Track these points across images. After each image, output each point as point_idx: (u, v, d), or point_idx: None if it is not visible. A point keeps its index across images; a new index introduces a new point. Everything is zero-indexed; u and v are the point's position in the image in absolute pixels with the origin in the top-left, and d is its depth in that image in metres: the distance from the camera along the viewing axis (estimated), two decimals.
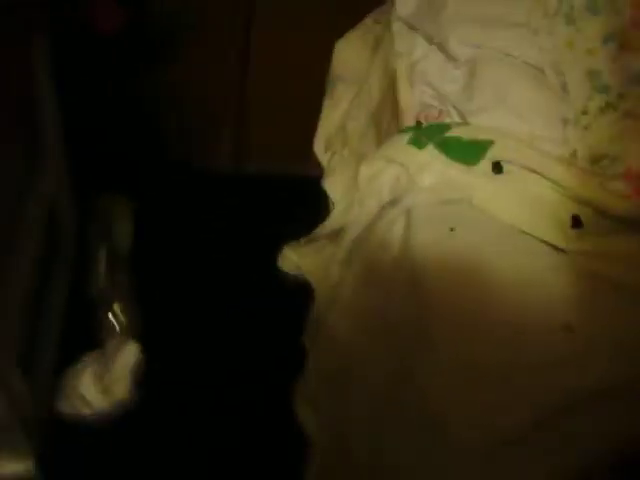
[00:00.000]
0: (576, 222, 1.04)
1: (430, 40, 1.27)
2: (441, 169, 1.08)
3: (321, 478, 1.22)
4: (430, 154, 1.09)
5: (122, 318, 1.44)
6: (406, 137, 1.15)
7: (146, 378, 1.40)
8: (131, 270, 1.49)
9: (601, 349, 0.92)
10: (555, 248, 1.01)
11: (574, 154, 1.09)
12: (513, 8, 1.25)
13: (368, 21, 1.51)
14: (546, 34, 1.22)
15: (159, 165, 1.62)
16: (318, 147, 1.60)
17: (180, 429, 1.38)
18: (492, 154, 1.08)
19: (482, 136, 1.11)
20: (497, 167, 1.07)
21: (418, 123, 1.18)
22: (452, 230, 1.05)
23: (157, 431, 1.38)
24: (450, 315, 0.98)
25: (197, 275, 1.58)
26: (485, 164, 1.07)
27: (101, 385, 1.38)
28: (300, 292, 1.45)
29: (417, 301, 1.03)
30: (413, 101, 1.24)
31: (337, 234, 1.34)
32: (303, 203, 1.62)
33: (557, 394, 0.89)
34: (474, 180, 1.06)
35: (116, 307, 1.44)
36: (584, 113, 1.10)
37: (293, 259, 1.54)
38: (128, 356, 1.41)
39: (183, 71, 1.62)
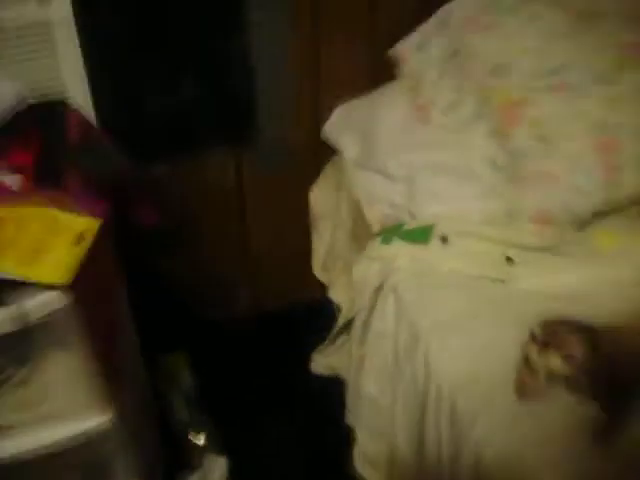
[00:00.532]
0: (508, 259, 1.48)
1: (374, 170, 1.75)
2: (407, 252, 1.52)
3: None
4: (397, 244, 1.53)
5: (206, 442, 1.84)
6: (378, 239, 1.59)
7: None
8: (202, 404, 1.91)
9: None
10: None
11: (492, 219, 1.55)
12: (427, 132, 1.75)
13: (328, 168, 1.98)
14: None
15: (200, 322, 2.05)
16: (317, 270, 2.03)
17: None
18: (437, 232, 1.52)
19: (426, 223, 1.56)
20: (443, 239, 1.51)
21: (383, 229, 1.64)
22: (427, 291, 1.48)
23: None
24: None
25: (251, 397, 2.01)
26: (435, 240, 1.52)
27: None
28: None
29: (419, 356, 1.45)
30: (375, 215, 1.70)
31: (349, 326, 1.76)
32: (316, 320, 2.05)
33: None
34: (431, 252, 1.51)
35: (200, 435, 1.85)
36: (492, 187, 1.58)
37: (322, 361, 1.96)
38: (220, 470, 1.80)
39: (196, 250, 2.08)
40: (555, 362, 1.25)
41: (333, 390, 1.86)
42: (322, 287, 2.00)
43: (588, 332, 1.26)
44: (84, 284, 1.07)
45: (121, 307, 1.46)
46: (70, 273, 1.02)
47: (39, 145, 1.26)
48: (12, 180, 1.19)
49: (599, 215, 1.53)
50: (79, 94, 1.53)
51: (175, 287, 1.99)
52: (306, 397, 2.00)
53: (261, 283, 2.16)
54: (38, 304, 1.03)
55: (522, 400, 1.25)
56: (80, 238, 1.06)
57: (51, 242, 1.05)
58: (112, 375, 1.26)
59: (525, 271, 1.47)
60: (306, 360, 1.98)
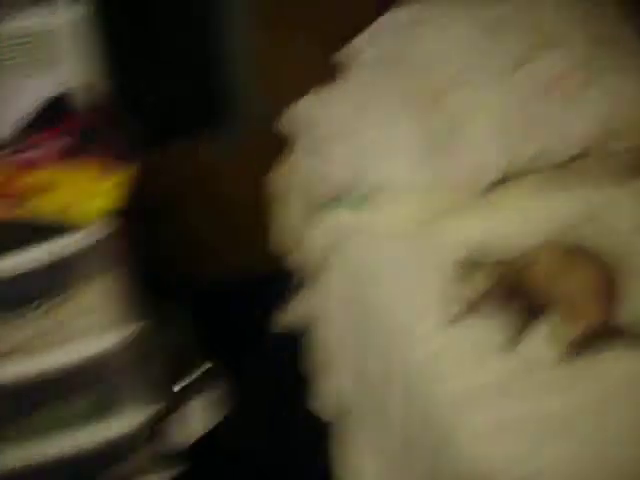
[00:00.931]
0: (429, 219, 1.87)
1: (322, 154, 2.12)
2: (347, 217, 1.92)
3: None
4: (339, 211, 1.94)
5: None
6: (324, 209, 1.99)
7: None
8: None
9: None
10: None
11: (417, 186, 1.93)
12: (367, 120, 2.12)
13: (285, 155, 2.32)
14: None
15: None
16: (275, 242, 2.38)
17: None
18: (371, 200, 1.92)
19: (363, 193, 1.94)
20: (377, 206, 1.90)
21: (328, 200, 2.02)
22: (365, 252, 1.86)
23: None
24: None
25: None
26: (370, 206, 1.92)
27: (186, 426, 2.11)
28: None
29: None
30: (323, 189, 2.05)
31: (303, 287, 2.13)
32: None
33: None
34: (367, 216, 1.90)
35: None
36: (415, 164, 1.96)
37: (281, 320, 2.32)
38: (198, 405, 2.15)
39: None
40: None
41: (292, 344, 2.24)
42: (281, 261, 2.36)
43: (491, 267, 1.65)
44: (118, 222, 1.43)
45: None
46: (111, 211, 1.38)
47: (78, 120, 1.61)
48: (48, 148, 1.54)
49: (499, 183, 1.93)
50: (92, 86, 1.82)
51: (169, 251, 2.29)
52: (269, 350, 2.36)
53: (227, 254, 2.50)
54: (83, 236, 1.38)
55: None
56: (117, 186, 1.42)
57: (96, 187, 1.41)
58: (131, 301, 1.59)
59: (442, 227, 1.85)
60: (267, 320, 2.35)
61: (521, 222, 1.85)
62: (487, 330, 1.60)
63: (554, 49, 2.03)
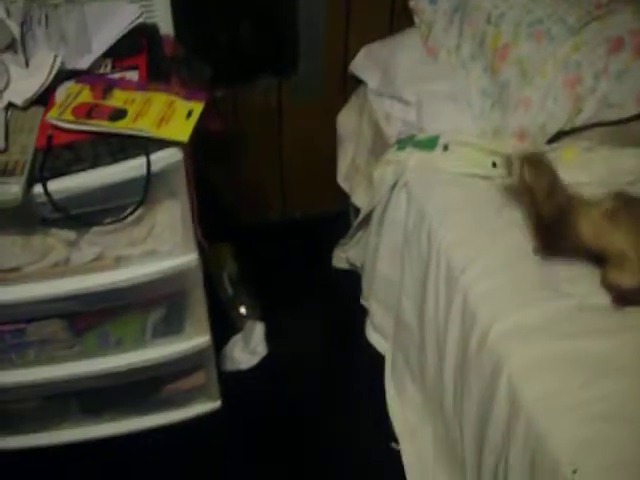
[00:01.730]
0: (494, 164, 1.92)
1: (392, 97, 2.19)
2: (417, 155, 1.95)
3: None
4: (409, 151, 1.97)
5: (247, 311, 2.30)
6: (394, 147, 2.03)
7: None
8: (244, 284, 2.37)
9: None
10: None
11: (483, 134, 2.00)
12: (436, 68, 2.19)
13: (352, 97, 2.42)
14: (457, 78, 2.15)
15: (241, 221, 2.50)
16: (340, 180, 2.48)
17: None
18: (440, 142, 1.97)
19: (433, 135, 1.99)
20: (445, 147, 1.95)
21: (397, 140, 2.08)
22: (431, 184, 1.92)
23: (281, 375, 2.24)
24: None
25: (282, 284, 2.47)
26: (439, 147, 1.96)
27: (248, 350, 2.22)
28: None
29: (424, 231, 1.89)
30: (392, 131, 2.15)
31: (366, 223, 2.20)
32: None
33: None
34: (435, 156, 1.95)
35: (242, 306, 2.31)
36: (482, 110, 2.02)
37: (341, 256, 2.41)
38: (259, 331, 2.26)
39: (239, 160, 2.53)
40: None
41: (351, 279, 2.33)
42: (341, 200, 2.44)
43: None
44: (191, 148, 1.52)
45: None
46: (188, 135, 1.46)
47: (147, 52, 1.70)
48: (131, 75, 1.63)
49: (563, 133, 1.97)
50: (165, 22, 1.94)
51: (220, 192, 2.42)
52: (328, 286, 2.45)
53: (291, 193, 2.61)
54: (161, 157, 1.47)
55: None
56: (190, 114, 1.50)
57: (170, 115, 1.49)
58: (197, 226, 1.69)
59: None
60: (327, 258, 2.44)
61: (584, 174, 1.88)
62: (542, 272, 1.66)
63: (626, 6, 2.04)
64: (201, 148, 1.92)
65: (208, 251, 2.26)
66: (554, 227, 1.67)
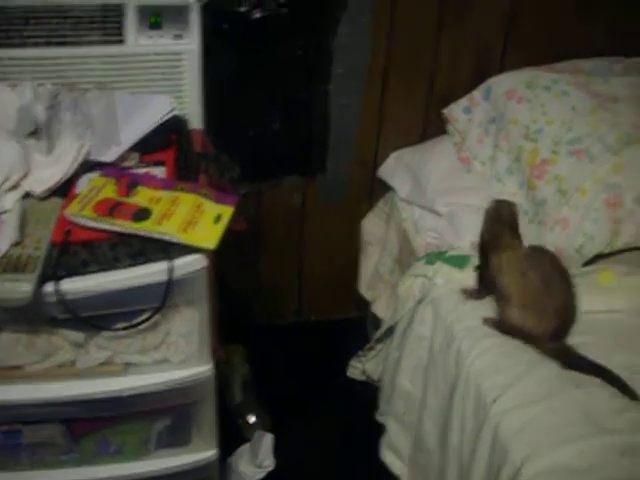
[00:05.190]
0: None
1: (422, 207, 2.12)
2: (447, 273, 1.87)
3: None
4: (439, 266, 1.89)
5: (256, 420, 2.17)
6: (423, 261, 1.93)
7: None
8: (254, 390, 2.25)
9: None
10: None
11: None
12: (468, 179, 2.12)
13: (380, 203, 2.36)
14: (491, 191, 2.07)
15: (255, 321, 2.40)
16: (362, 289, 2.38)
17: None
18: (472, 262, 1.88)
19: (465, 253, 1.91)
20: (476, 268, 1.87)
21: (427, 253, 1.99)
22: (461, 304, 1.83)
23: None
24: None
25: (294, 392, 2.34)
26: (471, 267, 1.87)
27: (255, 463, 2.08)
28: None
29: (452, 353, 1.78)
30: (421, 242, 2.06)
31: (387, 336, 2.09)
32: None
33: None
34: (466, 275, 1.85)
35: (251, 415, 2.18)
36: None
37: (358, 366, 2.30)
38: (267, 443, 2.12)
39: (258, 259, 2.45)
40: None
41: (365, 392, 2.21)
42: (359, 307, 2.35)
43: None
44: (216, 256, 1.43)
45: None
46: (215, 242, 1.37)
47: (176, 148, 1.63)
48: (158, 171, 1.56)
49: (601, 256, 1.89)
50: (195, 116, 1.87)
51: (236, 290, 2.32)
52: (341, 396, 2.33)
53: (309, 296, 2.51)
54: (185, 263, 1.38)
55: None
56: (218, 219, 1.42)
57: (198, 218, 1.40)
58: (214, 335, 1.59)
59: None
60: (341, 366, 2.33)
61: (622, 300, 1.81)
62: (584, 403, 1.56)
63: None
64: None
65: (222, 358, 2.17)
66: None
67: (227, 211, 1.44)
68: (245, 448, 2.10)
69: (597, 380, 1.61)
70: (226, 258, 2.14)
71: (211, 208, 1.44)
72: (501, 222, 1.77)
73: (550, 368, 1.64)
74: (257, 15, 2.03)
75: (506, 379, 1.62)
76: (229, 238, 1.86)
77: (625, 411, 1.55)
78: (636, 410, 1.55)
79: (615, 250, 1.91)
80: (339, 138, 2.25)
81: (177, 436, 1.74)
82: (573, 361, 1.64)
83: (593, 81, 2.16)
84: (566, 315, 1.70)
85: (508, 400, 1.58)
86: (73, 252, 1.36)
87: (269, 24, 2.04)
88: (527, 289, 1.68)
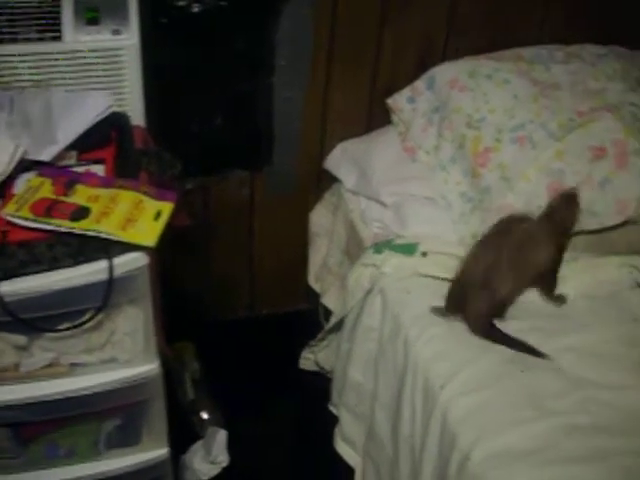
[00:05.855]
0: None
1: (368, 197, 2.12)
2: (395, 261, 1.88)
3: None
4: (387, 254, 1.89)
5: (209, 416, 2.16)
6: (371, 250, 1.94)
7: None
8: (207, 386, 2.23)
9: None
10: None
11: (462, 240, 1.92)
12: (413, 168, 2.13)
13: (328, 194, 2.36)
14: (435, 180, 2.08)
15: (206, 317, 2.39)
16: (311, 280, 2.38)
17: None
18: (420, 248, 1.89)
19: (412, 241, 1.92)
20: (425, 254, 1.87)
21: (374, 243, 2.00)
22: (408, 292, 1.84)
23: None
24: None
25: (247, 385, 2.33)
26: (418, 254, 1.88)
27: (209, 459, 2.08)
28: None
29: (400, 342, 1.79)
30: (368, 232, 2.07)
31: (338, 327, 2.10)
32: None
33: None
34: (414, 262, 1.87)
35: (204, 411, 2.17)
36: (462, 215, 1.95)
37: (310, 358, 2.30)
38: (221, 439, 2.12)
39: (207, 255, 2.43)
40: None
41: (318, 383, 2.21)
42: (310, 299, 2.35)
43: None
44: (156, 253, 1.41)
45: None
46: (155, 239, 1.36)
47: (116, 145, 1.61)
48: (97, 169, 1.53)
49: None
50: (136, 112, 1.85)
51: (185, 286, 2.31)
52: (294, 388, 2.33)
53: (260, 289, 2.50)
54: (126, 261, 1.36)
55: None
56: (158, 216, 1.40)
57: (137, 216, 1.38)
58: (159, 333, 1.58)
59: None
60: (294, 358, 2.32)
61: (569, 285, 1.85)
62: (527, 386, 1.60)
63: (608, 114, 2.01)
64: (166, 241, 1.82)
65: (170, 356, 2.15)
66: None
67: (167, 207, 1.43)
68: (199, 445, 2.09)
69: (542, 363, 1.64)
70: (175, 254, 2.17)
71: (151, 205, 1.42)
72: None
73: (497, 353, 1.66)
74: (196, 9, 2.01)
75: (453, 366, 1.64)
76: (175, 234, 1.87)
77: (569, 393, 1.59)
78: (579, 392, 1.58)
79: None
80: (284, 131, 2.23)
81: (127, 436, 1.72)
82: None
83: (534, 69, 2.18)
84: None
85: (455, 387, 1.60)
86: (10, 253, 1.33)
87: (209, 17, 2.02)
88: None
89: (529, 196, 1.90)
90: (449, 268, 1.84)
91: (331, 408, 2.14)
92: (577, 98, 2.09)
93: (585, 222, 1.91)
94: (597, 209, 1.92)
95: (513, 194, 1.91)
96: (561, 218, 1.81)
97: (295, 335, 2.36)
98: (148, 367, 1.56)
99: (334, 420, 2.09)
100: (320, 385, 2.20)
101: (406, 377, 1.72)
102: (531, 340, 1.68)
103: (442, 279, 1.83)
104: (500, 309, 1.74)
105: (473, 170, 1.99)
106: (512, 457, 1.46)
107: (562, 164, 1.93)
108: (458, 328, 1.73)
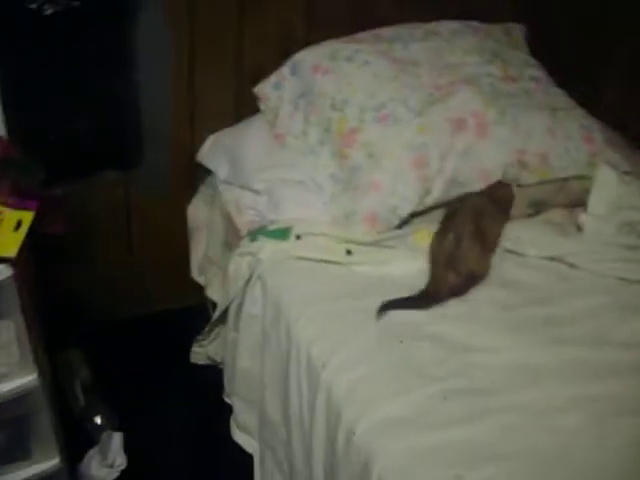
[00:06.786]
0: (348, 252, 1.90)
1: (241, 187, 2.14)
2: (270, 247, 1.90)
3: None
4: (262, 241, 1.92)
5: (103, 421, 2.15)
6: (247, 239, 1.97)
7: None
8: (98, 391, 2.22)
9: None
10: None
11: (335, 220, 1.97)
12: (283, 154, 2.16)
13: (203, 187, 2.36)
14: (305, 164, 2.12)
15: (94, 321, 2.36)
16: (194, 274, 2.38)
17: None
18: (294, 232, 1.92)
19: (285, 225, 1.95)
20: (298, 237, 1.91)
21: (249, 231, 2.02)
22: (286, 276, 1.87)
23: None
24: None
25: (140, 385, 2.32)
26: (292, 237, 1.91)
27: (106, 464, 2.07)
28: None
29: (282, 325, 1.83)
30: (243, 221, 2.09)
31: (223, 318, 2.12)
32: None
33: None
34: (289, 246, 1.90)
35: (97, 416, 2.15)
36: (333, 196, 2.00)
37: (200, 351, 2.31)
38: (116, 442, 2.11)
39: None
40: None
41: (212, 376, 2.22)
42: (200, 294, 2.36)
43: None
44: (21, 263, 1.40)
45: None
46: (15, 250, 1.34)
47: None
48: None
49: (414, 215, 1.98)
50: None
51: (70, 291, 2.28)
52: (189, 384, 2.33)
53: (145, 288, 2.49)
54: None
55: None
56: (19, 226, 1.39)
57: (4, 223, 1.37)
58: (35, 343, 1.56)
59: (360, 259, 1.89)
60: (186, 354, 2.33)
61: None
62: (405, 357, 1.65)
63: (467, 87, 2.09)
64: (42, 250, 1.80)
65: (56, 361, 2.12)
66: None
67: (28, 216, 1.42)
68: (94, 451, 2.08)
69: (422, 330, 1.71)
70: (55, 261, 2.14)
71: (10, 215, 1.41)
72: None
73: (375, 327, 1.71)
74: (49, 11, 1.98)
75: (334, 343, 1.68)
76: (51, 241, 1.84)
77: (446, 359, 1.65)
78: (456, 356, 1.65)
79: (428, 207, 2.00)
80: (153, 128, 2.22)
81: (16, 450, 1.70)
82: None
83: (394, 48, 2.23)
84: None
85: (336, 364, 1.64)
86: None
87: (63, 18, 1.99)
88: None
89: (395, 172, 1.96)
90: (324, 249, 1.89)
91: (225, 398, 2.16)
92: (436, 73, 2.16)
93: (451, 193, 1.99)
94: (462, 179, 2.00)
95: (380, 171, 1.96)
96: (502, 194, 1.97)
97: (186, 331, 2.34)
98: (26, 379, 1.54)
99: (231, 411, 2.11)
100: (214, 378, 2.20)
101: (290, 360, 1.75)
102: (404, 315, 1.75)
103: (318, 260, 1.87)
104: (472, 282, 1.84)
105: (340, 151, 2.03)
106: (393, 426, 1.50)
107: (425, 138, 1.99)
108: (338, 305, 1.77)
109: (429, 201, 1.98)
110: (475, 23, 2.42)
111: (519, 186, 2.02)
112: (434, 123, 2.02)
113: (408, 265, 1.89)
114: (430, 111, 2.03)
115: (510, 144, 2.04)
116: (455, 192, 2.01)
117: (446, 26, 2.36)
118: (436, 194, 1.98)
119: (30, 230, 1.44)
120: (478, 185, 2.01)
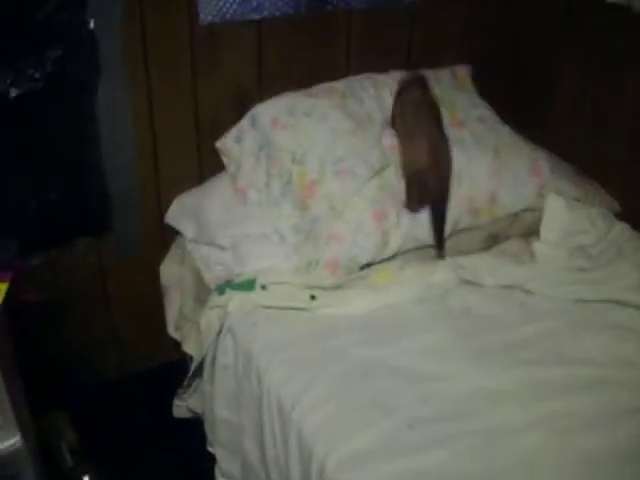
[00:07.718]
0: (312, 297, 1.99)
1: (208, 244, 2.24)
2: (238, 298, 1.99)
3: None
4: (229, 294, 2.01)
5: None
6: (216, 293, 2.06)
7: None
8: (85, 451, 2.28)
9: None
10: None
11: (298, 269, 2.06)
12: (246, 209, 2.26)
13: (173, 247, 2.45)
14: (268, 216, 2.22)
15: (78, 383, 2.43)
16: (171, 330, 2.46)
17: None
18: (258, 282, 2.02)
19: (250, 277, 2.04)
20: (264, 287, 2.00)
21: (217, 285, 2.11)
22: (254, 325, 1.96)
23: None
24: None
25: (126, 444, 2.39)
26: (258, 288, 2.01)
27: None
28: None
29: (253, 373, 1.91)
30: (212, 277, 2.18)
31: (200, 371, 2.19)
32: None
33: None
34: (255, 296, 1.99)
35: (85, 476, 2.21)
36: (295, 246, 2.10)
37: (181, 405, 2.38)
38: None
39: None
40: None
41: (196, 428, 2.29)
42: (176, 348, 2.43)
43: None
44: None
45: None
46: None
47: None
48: None
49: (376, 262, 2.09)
50: None
51: (52, 357, 2.35)
52: (174, 437, 2.40)
53: (127, 350, 2.57)
54: None
55: None
56: None
57: None
58: (18, 406, 1.63)
59: (323, 302, 1.98)
60: (169, 409, 2.40)
61: (398, 293, 2.02)
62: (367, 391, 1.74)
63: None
64: (24, 316, 1.87)
65: (43, 424, 2.18)
66: None
67: (3, 287, 1.50)
68: None
69: (385, 365, 1.80)
70: (35, 328, 2.22)
71: None
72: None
73: (339, 366, 1.80)
74: (14, 93, 2.08)
75: (302, 385, 1.77)
76: (29, 310, 1.92)
77: (408, 389, 1.74)
78: (418, 387, 1.74)
79: (383, 257, 2.11)
80: (121, 193, 2.31)
81: None
82: None
83: (348, 102, 2.33)
84: None
85: (305, 405, 1.73)
86: None
87: (29, 99, 2.10)
88: None
89: (356, 223, 2.07)
90: (289, 296, 1.99)
91: (209, 448, 2.22)
92: (389, 131, 2.28)
93: (407, 245, 2.16)
94: (416, 233, 2.15)
95: (342, 222, 2.07)
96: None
97: (168, 386, 2.40)
98: (9, 442, 1.60)
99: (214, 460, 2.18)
100: (198, 429, 2.27)
101: (262, 404, 1.83)
102: (368, 351, 1.84)
103: (284, 308, 1.96)
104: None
105: (302, 202, 2.13)
106: (362, 458, 1.58)
107: (383, 195, 2.12)
108: (305, 348, 1.87)
109: (387, 253, 2.10)
110: (423, 71, 2.52)
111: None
112: (392, 182, 2.15)
113: (368, 303, 1.99)
114: (387, 172, 2.17)
115: (459, 195, 2.17)
116: (410, 245, 2.13)
117: (395, 77, 2.45)
118: (394, 244, 2.11)
119: (6, 299, 1.52)
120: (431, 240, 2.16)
